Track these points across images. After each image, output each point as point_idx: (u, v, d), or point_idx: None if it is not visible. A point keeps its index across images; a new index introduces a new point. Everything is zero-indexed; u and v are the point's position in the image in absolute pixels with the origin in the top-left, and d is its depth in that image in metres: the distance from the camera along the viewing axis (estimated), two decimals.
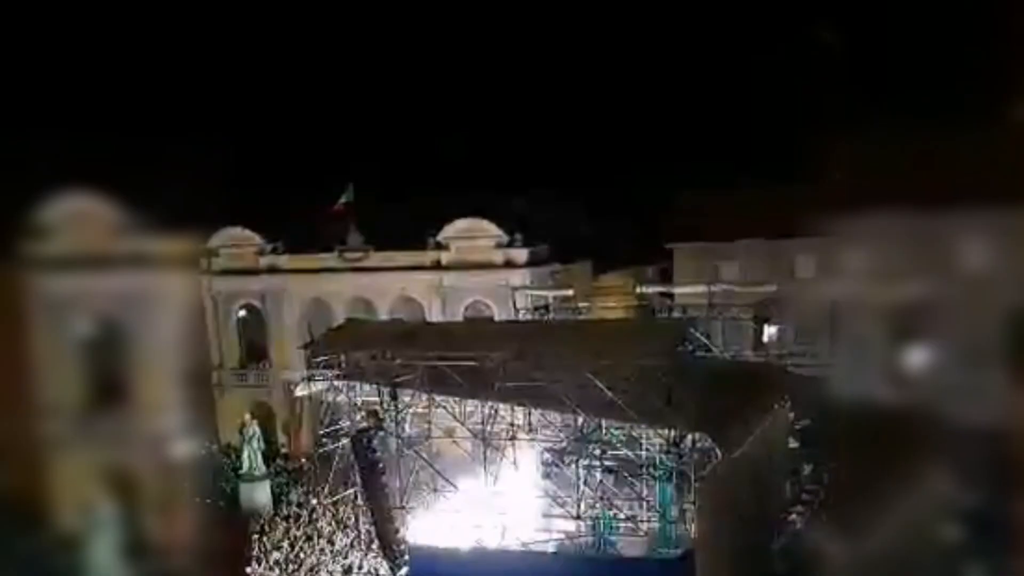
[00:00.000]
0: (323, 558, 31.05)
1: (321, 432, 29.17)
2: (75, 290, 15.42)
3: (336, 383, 27.17)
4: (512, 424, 25.67)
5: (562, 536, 25.41)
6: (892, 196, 9.74)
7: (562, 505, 24.87)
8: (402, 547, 26.60)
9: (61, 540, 14.55)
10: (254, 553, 31.45)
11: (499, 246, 43.24)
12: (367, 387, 26.93)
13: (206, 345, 43.95)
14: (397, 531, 26.95)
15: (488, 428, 25.26)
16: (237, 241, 46.34)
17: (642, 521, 25.14)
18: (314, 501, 36.21)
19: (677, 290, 36.29)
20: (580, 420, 24.11)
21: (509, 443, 26.17)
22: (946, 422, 9.67)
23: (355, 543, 31.53)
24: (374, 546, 28.93)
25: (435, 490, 27.54)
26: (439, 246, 44.08)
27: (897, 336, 10.35)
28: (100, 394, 15.63)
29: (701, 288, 34.01)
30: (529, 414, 25.00)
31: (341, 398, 27.52)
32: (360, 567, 29.78)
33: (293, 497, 37.65)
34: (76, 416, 15.34)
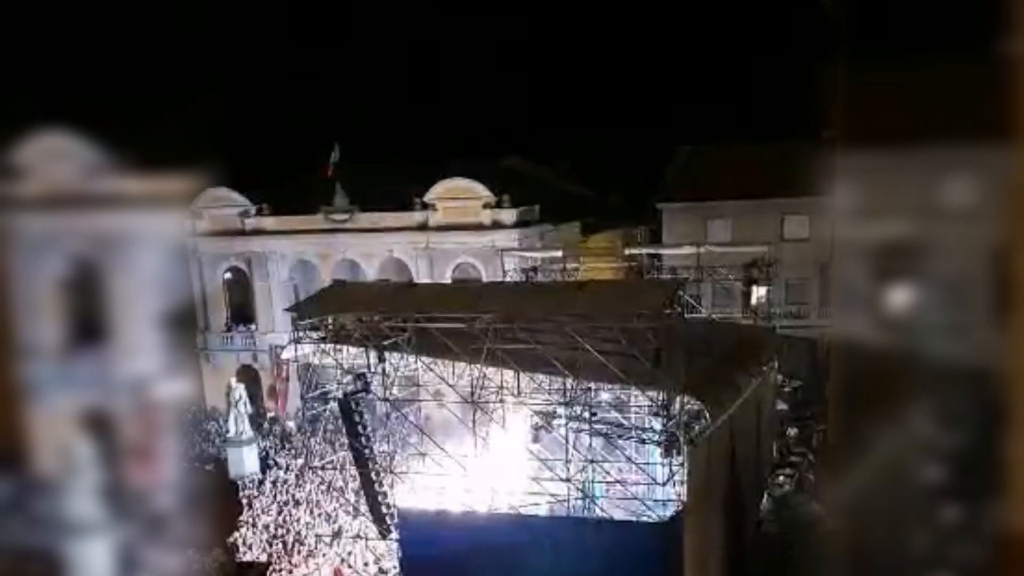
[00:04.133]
0: (311, 522, 31.03)
1: (308, 396, 28.94)
2: (51, 231, 15.09)
3: (323, 346, 26.92)
4: (501, 387, 25.52)
5: (551, 499, 25.38)
6: (878, 133, 9.51)
7: (551, 468, 24.79)
8: (391, 511, 26.54)
9: (39, 483, 14.39)
10: (242, 518, 31.44)
11: (487, 207, 42.88)
12: (354, 350, 26.69)
13: (189, 292, 43.40)
14: (385, 495, 26.87)
15: (476, 391, 25.11)
16: (221, 203, 45.79)
17: (631, 484, 25.11)
18: (301, 463, 36.18)
19: (665, 251, 36.12)
20: (569, 383, 23.97)
21: (498, 406, 26.05)
22: (932, 362, 9.53)
23: (343, 507, 31.51)
24: (363, 510, 28.88)
25: (423, 454, 27.44)
26: (426, 207, 43.70)
27: (882, 277, 10.16)
28: (78, 335, 15.34)
29: (689, 250, 33.88)
30: (518, 377, 24.84)
31: (328, 361, 27.29)
32: (349, 531, 29.76)
33: (281, 461, 37.59)
34: (53, 357, 15.05)
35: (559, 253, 36.47)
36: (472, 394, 25.06)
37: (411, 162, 47.10)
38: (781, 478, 29.44)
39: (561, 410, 24.77)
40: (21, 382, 14.42)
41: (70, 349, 15.17)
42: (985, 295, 9.38)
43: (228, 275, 47.65)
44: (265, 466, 37.32)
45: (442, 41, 62.09)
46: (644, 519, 23.86)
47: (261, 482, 35.48)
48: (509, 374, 24.96)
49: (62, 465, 14.29)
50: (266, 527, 31.04)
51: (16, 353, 14.49)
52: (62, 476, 14.22)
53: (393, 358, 26.10)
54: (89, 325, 15.26)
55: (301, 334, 26.97)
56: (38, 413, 14.50)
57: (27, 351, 14.60)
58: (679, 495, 22.67)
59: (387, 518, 26.80)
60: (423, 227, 43.67)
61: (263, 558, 28.91)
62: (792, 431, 32.70)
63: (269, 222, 46.42)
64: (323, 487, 33.30)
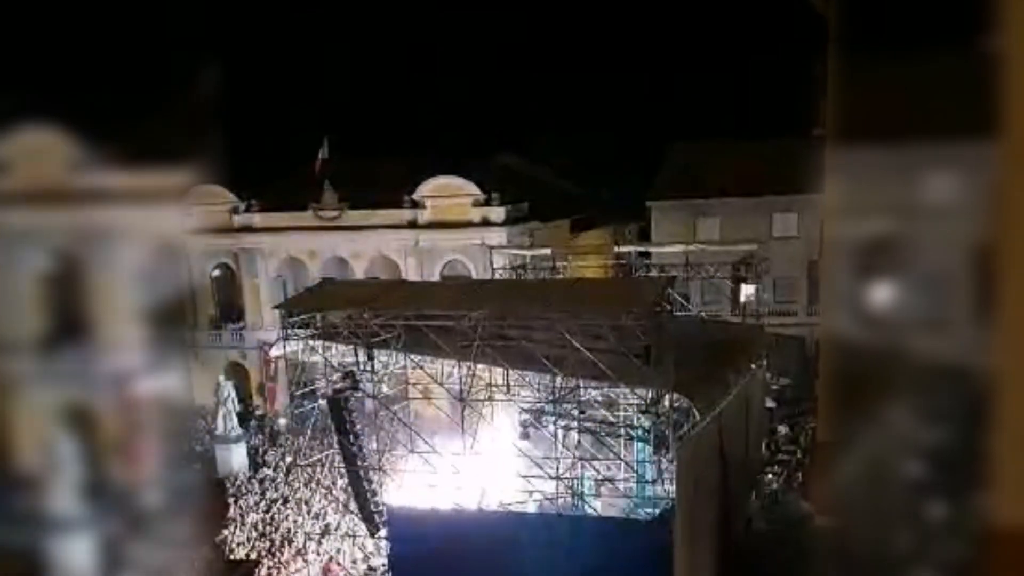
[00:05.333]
0: (300, 520, 30.95)
1: (297, 393, 28.87)
2: (33, 226, 15.03)
3: (312, 343, 26.87)
4: (490, 385, 25.50)
5: (540, 497, 25.37)
6: (868, 131, 9.53)
7: (540, 466, 24.78)
8: (380, 509, 26.50)
9: (20, 479, 14.31)
10: (230, 516, 31.33)
11: (476, 204, 42.82)
12: (343, 347, 26.65)
13: (177, 288, 43.07)
14: (374, 493, 26.84)
15: (466, 389, 25.08)
16: (210, 199, 45.50)
17: (620, 481, 25.11)
18: (290, 461, 36.08)
19: (655, 249, 36.15)
20: (558, 380, 23.96)
21: (487, 404, 26.02)
22: (922, 360, 9.57)
23: (332, 505, 31.44)
24: (351, 508, 28.83)
25: (412, 451, 27.40)
26: (415, 204, 43.60)
27: (871, 274, 10.19)
28: (60, 331, 15.26)
29: (678, 247, 33.93)
30: (507, 374, 24.82)
31: (317, 358, 27.23)
32: (337, 529, 29.70)
33: (269, 459, 37.49)
34: (34, 353, 14.98)
35: (548, 251, 36.45)
36: (461, 392, 25.03)
37: (404, 159, 46.95)
38: (770, 476, 29.45)
39: (550, 408, 24.75)
40: (2, 377, 14.34)
41: (52, 344, 15.08)
42: (974, 292, 9.39)
43: (216, 272, 47.49)
44: (254, 464, 37.21)
45: (437, 38, 62.03)
46: (633, 516, 23.87)
47: (250, 480, 35.38)
48: (498, 372, 24.94)
49: (44, 461, 14.21)
50: (254, 525, 30.95)
51: None
52: (44, 472, 14.15)
53: (382, 356, 26.06)
54: (72, 320, 15.17)
55: (290, 331, 26.91)
56: (19, 408, 14.43)
57: (8, 346, 14.52)
58: (668, 493, 22.67)
59: (376, 516, 26.77)
60: (412, 225, 43.59)
61: (252, 556, 28.84)
62: (781, 429, 32.77)
63: (258, 219, 46.27)
64: (312, 485, 33.24)
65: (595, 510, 25.28)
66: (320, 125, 47.67)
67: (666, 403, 22.28)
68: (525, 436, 25.90)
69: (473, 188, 42.95)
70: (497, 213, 42.34)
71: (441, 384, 25.89)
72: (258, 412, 44.71)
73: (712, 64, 58.01)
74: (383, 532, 26.11)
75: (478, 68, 59.74)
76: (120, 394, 14.64)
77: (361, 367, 26.05)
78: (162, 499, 14.61)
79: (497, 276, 36.67)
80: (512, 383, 25.09)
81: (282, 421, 42.15)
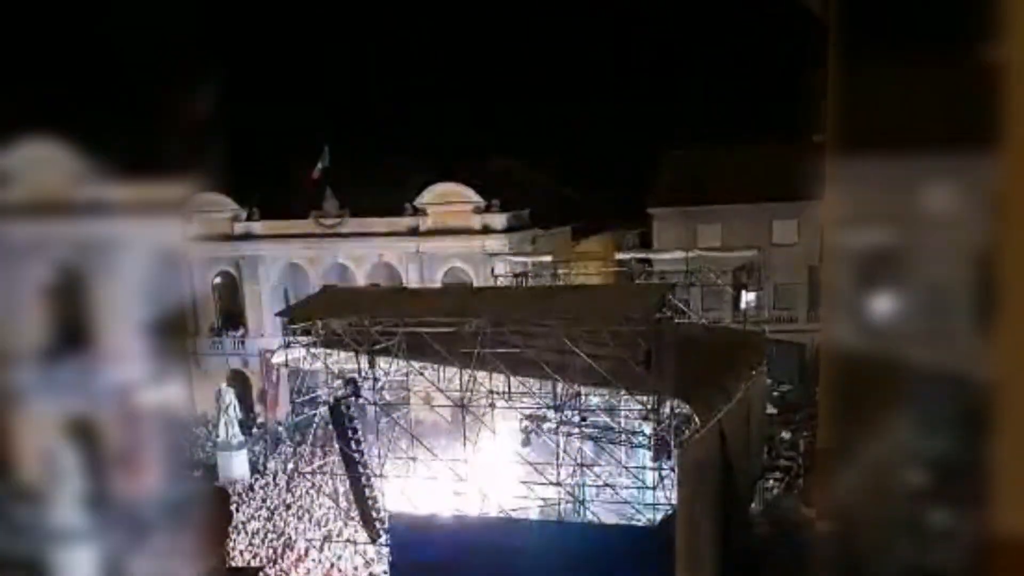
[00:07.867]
0: (301, 527, 30.95)
1: (298, 400, 28.87)
2: (36, 237, 15.07)
3: (313, 350, 26.88)
4: (491, 391, 25.51)
5: (541, 503, 25.37)
6: (868, 139, 9.52)
7: (541, 472, 24.78)
8: (381, 515, 26.49)
9: (22, 491, 14.30)
10: (232, 523, 31.31)
11: (477, 211, 42.86)
12: (344, 354, 26.67)
13: (180, 298, 43.10)
14: (376, 499, 26.83)
15: (467, 395, 25.09)
16: (211, 207, 45.54)
17: (621, 488, 25.11)
18: (291, 468, 36.09)
19: (656, 256, 36.20)
20: (559, 387, 23.97)
21: (488, 410, 26.03)
22: (922, 368, 9.54)
23: (333, 512, 31.43)
24: (353, 514, 28.83)
25: (413, 458, 27.40)
26: (416, 211, 43.62)
27: (872, 283, 10.18)
28: (63, 342, 15.26)
29: (679, 254, 33.97)
30: (508, 381, 24.83)
31: (318, 365, 27.24)
32: (339, 535, 29.70)
33: (271, 466, 37.48)
34: (37, 364, 14.98)
35: (549, 258, 36.49)
36: (462, 398, 25.04)
37: (404, 160, 46.96)
38: (771, 481, 29.44)
39: (551, 414, 24.77)
40: (4, 389, 14.33)
41: (55, 355, 15.08)
42: (975, 301, 9.40)
43: (218, 279, 47.50)
44: (255, 471, 37.21)
45: (435, 41, 62.15)
46: (634, 523, 23.86)
47: (251, 487, 35.38)
48: (499, 378, 24.94)
49: (46, 473, 14.21)
50: (256, 532, 30.94)
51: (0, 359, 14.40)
52: (46, 484, 14.14)
53: (383, 362, 26.06)
54: (74, 332, 15.17)
55: (291, 338, 26.92)
56: (22, 420, 14.42)
57: (10, 357, 14.52)
58: (669, 499, 22.68)
59: (377, 522, 26.77)
60: (414, 232, 43.61)
61: (253, 563, 28.82)
62: (782, 435, 32.77)
63: (259, 226, 46.29)
64: (313, 492, 33.23)
65: (596, 516, 25.27)
66: (321, 131, 47.71)
67: (667, 409, 22.29)
68: (526, 442, 25.90)
69: (474, 195, 42.97)
70: (498, 220, 42.37)
71: (442, 391, 25.90)
72: (259, 419, 44.70)
73: (712, 69, 58.13)
74: (384, 539, 26.11)
75: (478, 69, 59.89)
76: (122, 405, 14.64)
77: (362, 374, 26.06)
78: (164, 510, 14.59)
79: (498, 283, 36.69)
80: (513, 389, 25.09)
81: (281, 429, 42.17)
